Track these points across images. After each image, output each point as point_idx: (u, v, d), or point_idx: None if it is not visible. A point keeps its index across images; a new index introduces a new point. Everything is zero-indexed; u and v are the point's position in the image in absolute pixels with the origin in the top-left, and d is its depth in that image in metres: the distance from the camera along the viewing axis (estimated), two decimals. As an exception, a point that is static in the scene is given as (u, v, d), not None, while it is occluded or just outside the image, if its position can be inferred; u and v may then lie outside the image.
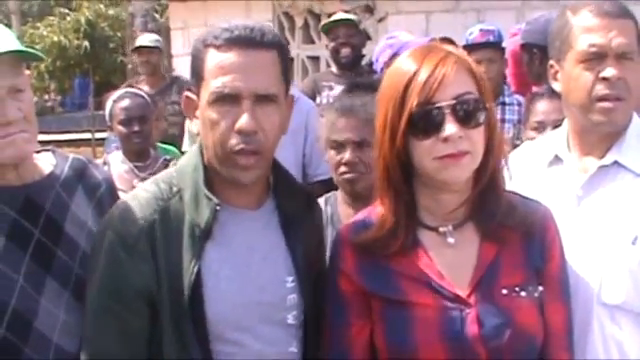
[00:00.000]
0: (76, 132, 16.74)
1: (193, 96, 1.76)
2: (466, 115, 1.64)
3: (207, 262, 1.71)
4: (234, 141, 1.68)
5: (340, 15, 5.31)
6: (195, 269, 1.68)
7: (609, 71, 1.90)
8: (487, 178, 1.71)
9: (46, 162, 1.99)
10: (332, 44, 5.03)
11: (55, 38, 15.97)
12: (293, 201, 1.84)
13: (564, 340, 1.78)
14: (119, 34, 16.76)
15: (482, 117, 1.66)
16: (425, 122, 1.63)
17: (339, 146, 2.58)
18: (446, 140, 1.62)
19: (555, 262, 1.78)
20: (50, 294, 1.84)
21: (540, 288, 1.73)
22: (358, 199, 2.64)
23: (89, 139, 15.71)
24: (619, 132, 1.98)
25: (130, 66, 10.94)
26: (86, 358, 1.75)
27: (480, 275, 1.71)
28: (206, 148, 1.76)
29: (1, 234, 1.82)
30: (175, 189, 1.76)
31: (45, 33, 16.23)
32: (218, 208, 1.70)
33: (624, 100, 1.93)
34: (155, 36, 6.47)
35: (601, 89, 1.92)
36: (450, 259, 1.73)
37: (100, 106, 17.61)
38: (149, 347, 1.71)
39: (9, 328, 1.79)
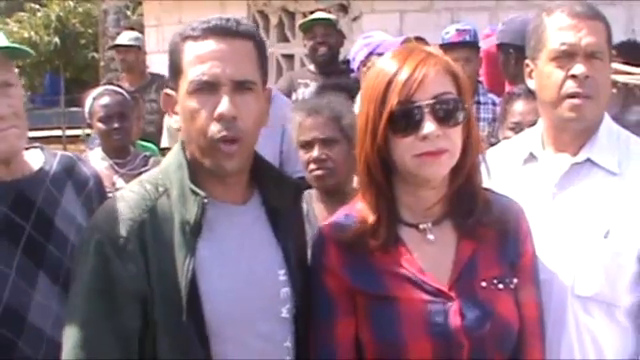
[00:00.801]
0: (46, 129, 16.59)
1: (172, 92, 1.76)
2: (445, 114, 1.69)
3: (199, 260, 1.69)
4: (215, 128, 1.67)
5: (318, 14, 5.34)
6: (191, 267, 1.66)
7: (578, 68, 1.98)
8: (464, 176, 1.77)
9: (35, 158, 2.02)
10: (310, 43, 5.06)
11: (25, 34, 15.82)
12: (279, 193, 1.84)
13: (537, 328, 1.85)
14: (90, 30, 16.63)
15: (460, 116, 1.71)
16: (405, 120, 1.68)
17: (307, 145, 2.65)
18: (425, 138, 1.67)
19: (528, 256, 1.85)
20: (42, 288, 1.88)
21: (515, 280, 1.80)
22: (332, 196, 2.70)
23: (60, 136, 15.59)
24: (591, 130, 2.05)
25: (102, 63, 10.86)
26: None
27: (460, 270, 1.76)
28: (188, 142, 1.75)
29: None
30: (161, 189, 1.74)
31: (15, 29, 16.07)
32: (206, 201, 1.68)
33: (592, 98, 1.99)
34: (134, 34, 6.43)
35: (570, 86, 1.99)
36: (430, 255, 1.77)
37: (71, 103, 17.44)
38: (141, 348, 1.68)
39: (3, 323, 1.82)
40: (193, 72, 1.68)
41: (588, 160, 2.04)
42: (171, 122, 1.81)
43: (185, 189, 1.71)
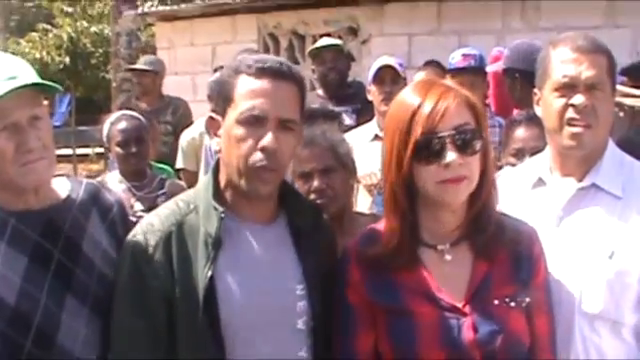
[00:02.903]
0: (56, 148, 16.60)
1: (217, 117, 1.95)
2: (464, 144, 1.80)
3: (219, 269, 1.87)
4: (257, 157, 1.86)
5: (327, 41, 5.39)
6: (209, 274, 1.84)
7: (578, 98, 2.07)
8: (482, 200, 1.87)
9: (62, 186, 2.08)
10: (320, 68, 5.11)
11: (37, 54, 15.94)
12: (302, 216, 2.00)
13: (548, 345, 1.95)
14: (101, 50, 16.75)
15: (478, 145, 1.82)
16: (428, 150, 1.79)
17: (306, 175, 2.67)
18: (447, 166, 1.78)
19: (540, 276, 1.95)
20: (71, 310, 1.94)
21: (527, 299, 1.89)
22: (331, 221, 2.77)
23: (70, 155, 15.66)
24: (596, 156, 2.14)
25: (115, 84, 10.97)
26: (113, 357, 1.91)
27: (474, 288, 1.87)
28: (227, 164, 1.93)
29: (24, 255, 1.92)
30: (192, 206, 1.95)
31: (27, 49, 16.18)
32: (222, 215, 1.88)
33: (592, 127, 2.08)
34: (152, 58, 6.54)
35: (570, 114, 2.08)
36: (447, 274, 1.89)
37: (81, 122, 17.38)
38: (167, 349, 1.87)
39: (34, 343, 1.88)
40: (244, 104, 1.87)
41: (593, 185, 2.12)
42: (212, 144, 1.99)
43: (209, 206, 1.91)
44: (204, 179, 2.01)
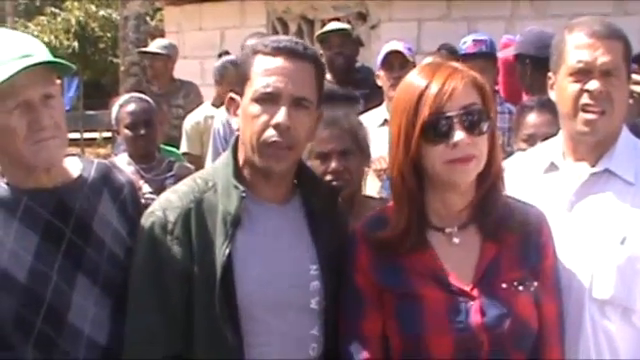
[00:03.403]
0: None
1: (236, 97, 1.98)
2: (472, 124, 1.81)
3: (237, 247, 1.90)
4: (270, 134, 1.89)
5: (334, 25, 5.40)
6: (227, 251, 1.88)
7: (593, 84, 2.06)
8: (490, 182, 1.88)
9: (74, 166, 2.08)
10: (327, 53, 5.09)
11: (45, 38, 15.95)
12: (317, 197, 2.03)
13: (556, 329, 1.95)
14: (109, 34, 16.76)
15: (486, 126, 1.83)
16: (436, 130, 1.80)
17: (324, 156, 2.66)
18: (455, 146, 1.79)
19: (549, 260, 1.95)
20: (81, 289, 1.95)
21: (535, 283, 1.89)
22: (342, 202, 2.77)
23: (77, 139, 15.70)
24: (609, 142, 2.13)
25: (123, 68, 10.97)
26: (128, 330, 1.93)
27: (482, 271, 1.87)
28: (243, 142, 1.96)
29: (36, 234, 1.93)
30: (210, 184, 1.97)
31: (35, 33, 16.18)
32: (244, 195, 1.91)
33: (606, 113, 2.08)
34: (165, 42, 6.56)
35: (585, 99, 2.07)
36: (455, 257, 1.89)
37: (89, 106, 17.40)
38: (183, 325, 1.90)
39: (45, 321, 1.89)
40: (259, 82, 1.91)
41: (606, 170, 2.11)
42: (232, 123, 2.03)
43: (229, 184, 1.94)
44: (223, 157, 2.04)
